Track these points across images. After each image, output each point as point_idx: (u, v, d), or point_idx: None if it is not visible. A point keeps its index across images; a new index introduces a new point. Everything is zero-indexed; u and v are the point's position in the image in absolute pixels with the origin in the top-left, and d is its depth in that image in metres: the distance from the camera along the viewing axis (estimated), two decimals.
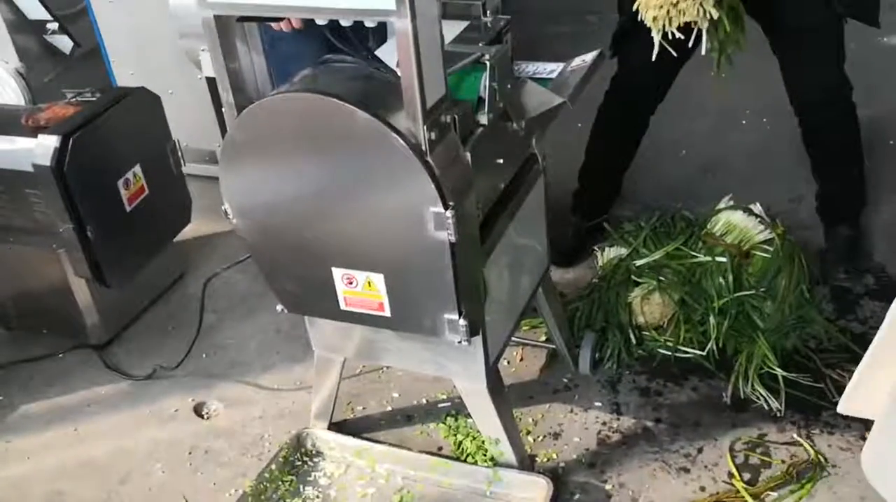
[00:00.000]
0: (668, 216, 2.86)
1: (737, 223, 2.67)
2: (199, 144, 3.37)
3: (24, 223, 2.55)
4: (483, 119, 1.80)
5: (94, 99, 2.62)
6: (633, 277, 2.61)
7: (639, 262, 2.63)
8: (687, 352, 2.47)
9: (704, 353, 2.45)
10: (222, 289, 2.89)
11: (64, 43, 3.62)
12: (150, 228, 2.73)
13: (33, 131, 2.46)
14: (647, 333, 2.53)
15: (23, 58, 3.55)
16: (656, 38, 2.17)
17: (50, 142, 2.38)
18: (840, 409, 1.74)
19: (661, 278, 2.57)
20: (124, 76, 3.42)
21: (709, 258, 2.59)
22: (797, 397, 2.31)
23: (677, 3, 2.10)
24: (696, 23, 2.12)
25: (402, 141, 1.59)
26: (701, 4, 2.08)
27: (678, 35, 2.14)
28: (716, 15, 2.09)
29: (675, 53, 2.19)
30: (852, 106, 2.61)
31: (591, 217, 2.92)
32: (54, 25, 3.55)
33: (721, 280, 2.54)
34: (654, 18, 2.15)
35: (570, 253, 2.85)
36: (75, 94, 2.65)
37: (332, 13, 1.55)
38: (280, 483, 2.18)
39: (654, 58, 2.21)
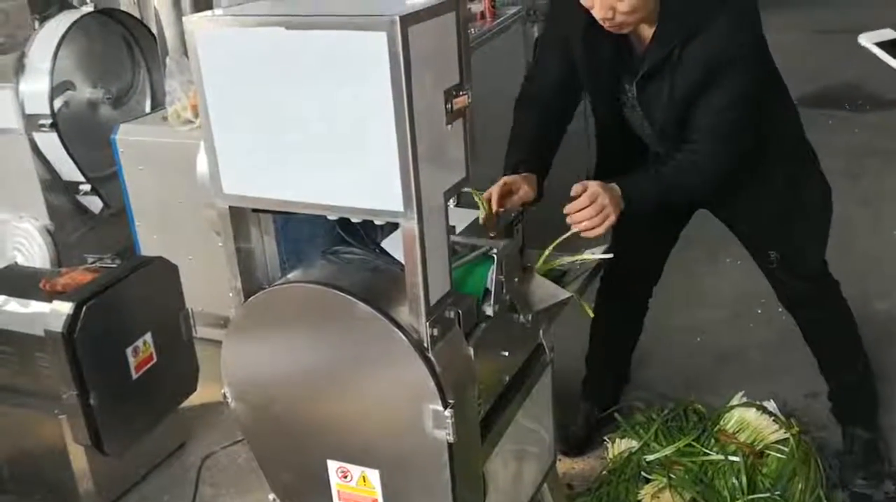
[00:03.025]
0: (681, 408, 2.79)
1: (750, 421, 2.60)
2: (215, 309, 3.38)
3: (29, 386, 2.54)
4: (489, 311, 1.79)
5: (113, 265, 2.66)
6: (643, 473, 2.53)
7: (650, 457, 2.56)
8: None
9: None
10: (222, 460, 2.82)
11: (94, 203, 3.73)
12: (154, 396, 2.70)
13: (49, 296, 2.49)
14: None
15: (53, 215, 3.67)
16: None
17: (63, 308, 2.39)
18: None
19: (671, 475, 2.48)
20: (148, 239, 3.49)
21: (721, 457, 2.51)
22: None
23: None
24: None
25: (403, 335, 1.57)
26: None
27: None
28: None
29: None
30: (837, 301, 2.61)
31: (601, 404, 2.86)
32: (87, 187, 3.67)
33: (734, 480, 2.45)
34: None
35: (580, 442, 2.77)
36: (96, 260, 2.70)
37: (342, 212, 1.58)
38: None
39: None
